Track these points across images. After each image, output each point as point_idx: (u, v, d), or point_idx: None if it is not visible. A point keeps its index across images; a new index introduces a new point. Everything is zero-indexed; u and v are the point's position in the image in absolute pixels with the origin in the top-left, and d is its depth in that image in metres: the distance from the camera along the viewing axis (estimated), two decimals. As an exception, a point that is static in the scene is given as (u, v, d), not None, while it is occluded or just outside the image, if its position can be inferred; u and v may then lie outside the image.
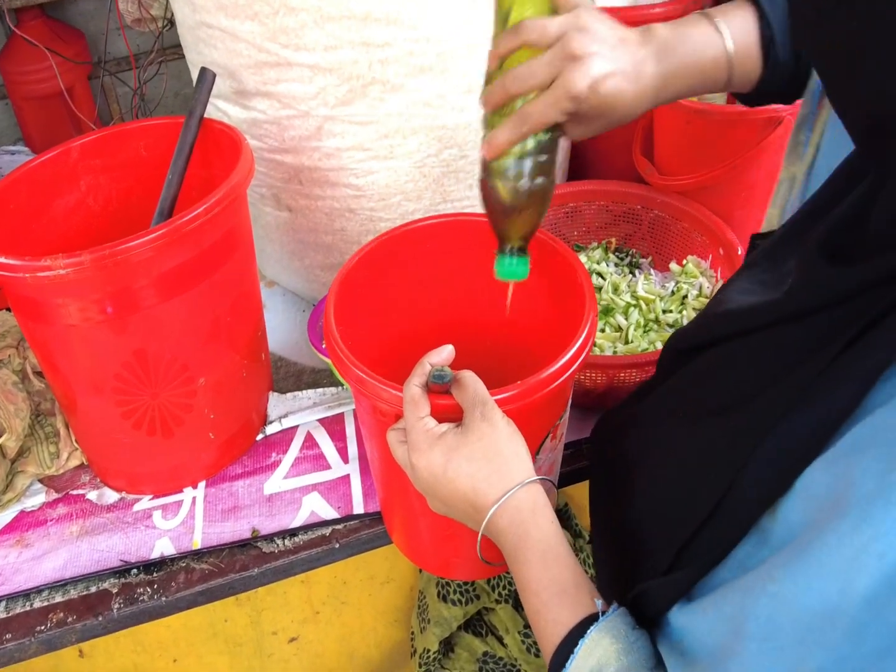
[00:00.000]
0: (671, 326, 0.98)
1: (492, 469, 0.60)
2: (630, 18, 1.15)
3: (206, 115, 0.91)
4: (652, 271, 1.10)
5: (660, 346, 0.94)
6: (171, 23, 1.48)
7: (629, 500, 0.61)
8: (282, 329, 1.14)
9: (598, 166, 1.27)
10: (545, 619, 0.55)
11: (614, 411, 0.73)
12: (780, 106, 0.98)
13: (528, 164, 0.67)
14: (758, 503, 0.46)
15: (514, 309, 0.85)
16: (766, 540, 0.45)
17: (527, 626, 1.01)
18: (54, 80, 1.51)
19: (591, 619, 0.53)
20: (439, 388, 0.64)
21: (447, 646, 1.05)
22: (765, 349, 0.52)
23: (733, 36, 0.68)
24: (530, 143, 0.66)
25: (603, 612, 0.53)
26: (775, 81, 0.71)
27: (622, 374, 0.85)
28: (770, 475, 0.45)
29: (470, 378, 0.63)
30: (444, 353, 0.66)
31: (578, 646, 0.51)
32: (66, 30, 1.58)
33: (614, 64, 0.63)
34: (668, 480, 0.57)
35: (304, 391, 1.02)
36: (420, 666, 1.07)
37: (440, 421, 0.63)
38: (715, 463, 0.50)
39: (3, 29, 1.58)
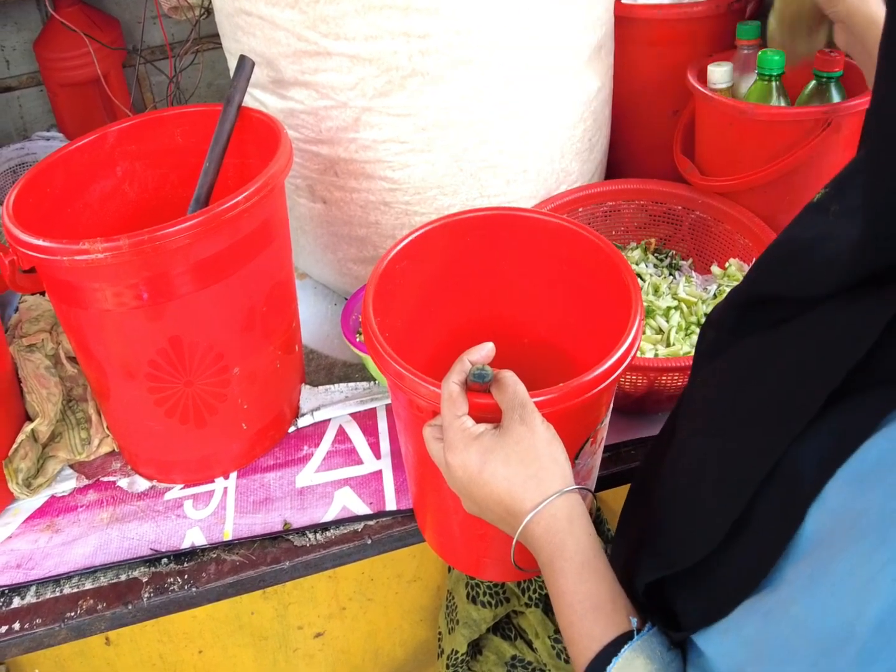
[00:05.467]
0: (713, 329, 0.96)
1: (529, 474, 0.58)
2: (672, 16, 1.13)
3: (243, 104, 0.90)
4: (693, 273, 1.08)
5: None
6: (209, 11, 1.47)
7: (652, 509, 0.59)
8: (313, 321, 1.14)
9: (638, 165, 1.24)
10: (578, 632, 0.54)
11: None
12: (827, 107, 0.96)
13: None
14: (782, 520, 0.43)
15: (555, 307, 0.84)
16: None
17: (557, 630, 1.00)
18: (91, 66, 1.50)
19: (625, 637, 0.51)
20: (479, 386, 0.63)
21: (475, 648, 1.04)
22: (795, 343, 0.48)
23: None
24: None
25: (638, 631, 0.51)
26: None
27: (663, 378, 0.83)
28: (793, 488, 0.43)
29: (510, 379, 0.61)
30: (483, 351, 0.64)
31: (612, 664, 0.50)
32: (102, 17, 1.58)
33: None
34: (689, 492, 0.55)
35: (337, 385, 1.01)
36: (448, 667, 1.06)
37: (478, 420, 0.62)
38: (735, 477, 0.48)
39: (40, 16, 1.59)
